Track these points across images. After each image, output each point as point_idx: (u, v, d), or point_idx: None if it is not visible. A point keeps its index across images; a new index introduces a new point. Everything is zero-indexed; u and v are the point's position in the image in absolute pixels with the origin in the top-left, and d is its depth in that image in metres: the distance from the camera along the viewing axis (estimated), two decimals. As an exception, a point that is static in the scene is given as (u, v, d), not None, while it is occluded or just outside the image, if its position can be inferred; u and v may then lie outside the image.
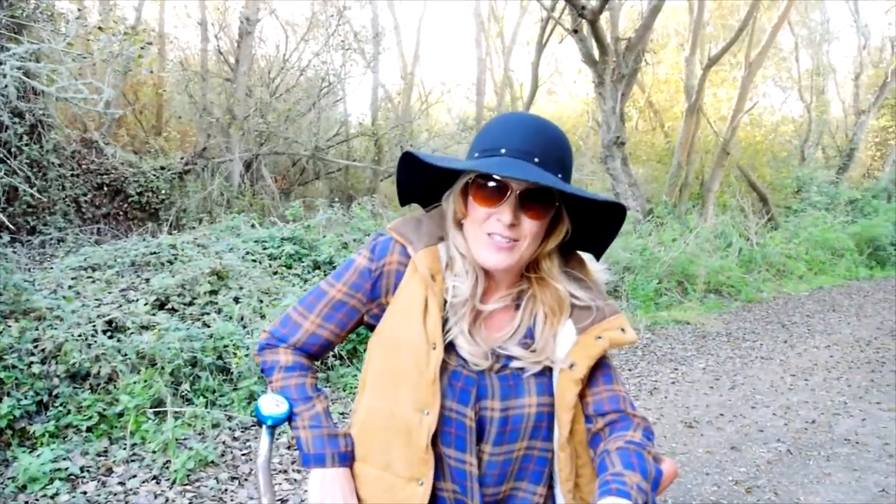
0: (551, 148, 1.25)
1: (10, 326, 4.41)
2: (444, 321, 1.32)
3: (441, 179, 1.37)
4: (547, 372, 1.34)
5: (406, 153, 1.31)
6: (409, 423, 1.30)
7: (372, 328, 1.43)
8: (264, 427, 1.37)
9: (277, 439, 4.62)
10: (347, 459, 1.36)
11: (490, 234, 1.26)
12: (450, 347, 1.32)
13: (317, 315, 1.41)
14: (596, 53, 11.94)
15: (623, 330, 1.33)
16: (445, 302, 1.32)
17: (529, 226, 1.25)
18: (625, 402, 1.34)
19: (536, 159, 1.22)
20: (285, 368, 1.42)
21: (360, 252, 1.41)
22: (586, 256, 1.45)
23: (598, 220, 1.35)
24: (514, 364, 1.33)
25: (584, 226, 1.36)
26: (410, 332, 1.30)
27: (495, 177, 1.23)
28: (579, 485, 1.35)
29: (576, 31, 11.81)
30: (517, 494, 1.36)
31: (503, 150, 1.23)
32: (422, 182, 1.40)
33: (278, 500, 3.84)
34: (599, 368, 1.34)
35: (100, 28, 8.41)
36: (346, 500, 1.31)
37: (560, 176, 1.25)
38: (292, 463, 4.30)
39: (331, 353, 5.79)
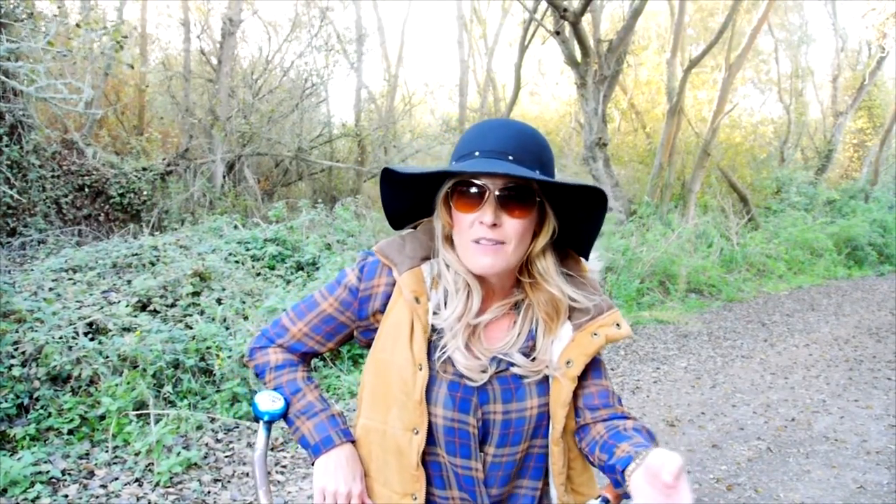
0: (527, 145, 1.26)
1: (-11, 329, 4.37)
2: (435, 340, 1.35)
3: (424, 196, 1.39)
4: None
5: (385, 169, 1.32)
6: (399, 443, 1.34)
7: (363, 343, 1.46)
8: (261, 423, 1.41)
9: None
10: (350, 434, 1.39)
11: (476, 241, 1.26)
12: (448, 361, 1.34)
13: (305, 324, 1.45)
14: (578, 55, 12.00)
15: (618, 325, 1.34)
16: (433, 328, 1.35)
17: (512, 226, 1.25)
18: (613, 398, 1.37)
19: (511, 157, 1.22)
20: (276, 367, 1.45)
21: (352, 268, 1.44)
22: None
23: (583, 215, 1.34)
24: (516, 369, 1.34)
25: (572, 223, 1.36)
26: (397, 355, 1.33)
27: (473, 181, 1.25)
28: (571, 476, 1.38)
29: (558, 33, 11.87)
30: (519, 493, 1.39)
31: (477, 153, 1.24)
32: (406, 200, 1.41)
33: (262, 501, 3.83)
34: (590, 365, 1.36)
35: (77, 25, 8.32)
36: (348, 484, 1.32)
37: (538, 172, 1.25)
38: (276, 465, 4.29)
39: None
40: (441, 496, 1.38)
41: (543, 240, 1.32)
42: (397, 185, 1.37)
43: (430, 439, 1.34)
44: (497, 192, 1.24)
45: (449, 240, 1.36)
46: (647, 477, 1.06)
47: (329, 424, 1.38)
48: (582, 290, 1.37)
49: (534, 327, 1.37)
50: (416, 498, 1.35)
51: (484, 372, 1.32)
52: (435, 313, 1.35)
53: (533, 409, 1.33)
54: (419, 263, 1.37)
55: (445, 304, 1.34)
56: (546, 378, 1.35)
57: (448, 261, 1.35)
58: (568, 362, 1.32)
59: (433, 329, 1.35)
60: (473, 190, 1.25)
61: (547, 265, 1.34)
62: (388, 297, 1.38)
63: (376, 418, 1.39)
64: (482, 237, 1.25)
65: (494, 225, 1.24)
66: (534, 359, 1.34)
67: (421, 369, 1.31)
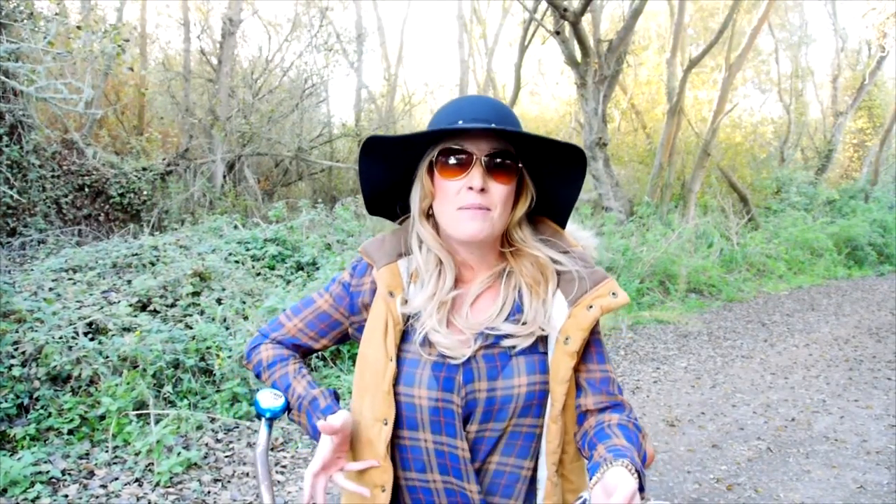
0: (506, 116, 1.29)
1: (-11, 329, 4.37)
2: (411, 325, 1.36)
3: (403, 169, 1.39)
4: (539, 348, 1.35)
5: (368, 139, 1.33)
6: (370, 434, 1.36)
7: (358, 339, 1.48)
8: (263, 419, 1.42)
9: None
10: (330, 408, 1.39)
11: (461, 209, 1.28)
12: (430, 342, 1.34)
13: (300, 320, 1.49)
14: (578, 55, 12.01)
15: (614, 294, 1.33)
16: (409, 316, 1.37)
17: (499, 191, 1.28)
18: (614, 386, 1.36)
19: (493, 124, 1.24)
20: (268, 365, 1.48)
21: (346, 269, 1.49)
22: (572, 227, 1.47)
23: (561, 181, 1.37)
24: (505, 342, 1.33)
25: (549, 192, 1.39)
26: (373, 348, 1.36)
27: (459, 147, 1.27)
28: (563, 461, 1.36)
29: (558, 33, 11.88)
30: (504, 469, 1.37)
31: (460, 122, 1.26)
32: (384, 177, 1.41)
33: (262, 501, 3.83)
34: (593, 345, 1.36)
35: (78, 27, 8.33)
36: (324, 452, 1.33)
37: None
38: (276, 465, 4.30)
39: (314, 356, 5.79)
40: (420, 479, 1.37)
41: (522, 208, 1.35)
42: (379, 159, 1.37)
43: (412, 423, 1.34)
44: (483, 158, 1.27)
45: (425, 214, 1.37)
46: (604, 494, 1.09)
47: (312, 410, 1.39)
48: (565, 255, 1.37)
49: (518, 296, 1.37)
50: (384, 490, 1.35)
51: (467, 347, 1.32)
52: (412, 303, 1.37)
53: (521, 388, 1.32)
54: (396, 259, 1.40)
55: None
56: (537, 354, 1.34)
57: (422, 235, 1.36)
58: (566, 339, 1.31)
59: (409, 318, 1.36)
60: (460, 157, 1.28)
61: (524, 235, 1.37)
62: (374, 293, 1.41)
63: (355, 409, 1.42)
64: (470, 203, 1.27)
65: (483, 190, 1.26)
66: (524, 323, 1.33)
67: (392, 361, 1.33)
